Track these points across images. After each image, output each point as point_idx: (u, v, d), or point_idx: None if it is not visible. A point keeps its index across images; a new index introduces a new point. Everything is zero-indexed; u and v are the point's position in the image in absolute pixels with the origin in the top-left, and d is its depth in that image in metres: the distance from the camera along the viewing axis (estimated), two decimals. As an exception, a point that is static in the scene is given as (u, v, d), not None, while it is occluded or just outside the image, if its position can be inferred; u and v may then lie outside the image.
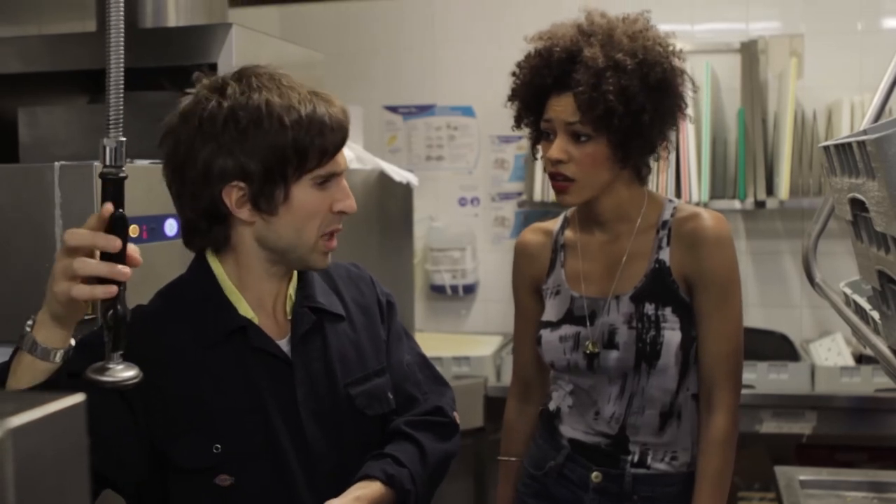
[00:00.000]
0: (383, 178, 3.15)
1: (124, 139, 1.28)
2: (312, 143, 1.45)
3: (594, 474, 1.91)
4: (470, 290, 4.09)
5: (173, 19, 2.69)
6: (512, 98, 1.95)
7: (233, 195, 1.45)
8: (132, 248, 1.30)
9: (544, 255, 2.02)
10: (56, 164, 1.79)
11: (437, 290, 4.10)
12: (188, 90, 1.50)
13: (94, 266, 1.27)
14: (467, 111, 4.11)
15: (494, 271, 4.05)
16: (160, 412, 1.44)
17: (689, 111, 1.95)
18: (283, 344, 1.54)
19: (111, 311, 1.28)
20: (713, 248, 1.85)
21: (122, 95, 1.27)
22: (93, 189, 1.77)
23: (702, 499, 1.83)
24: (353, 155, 2.96)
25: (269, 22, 4.09)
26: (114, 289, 1.28)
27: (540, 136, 1.93)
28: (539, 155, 1.97)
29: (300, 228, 1.49)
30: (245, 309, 1.52)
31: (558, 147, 1.83)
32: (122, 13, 1.26)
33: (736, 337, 1.87)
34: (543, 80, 1.85)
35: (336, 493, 1.48)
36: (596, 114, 1.78)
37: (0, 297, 1.83)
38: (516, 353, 2.15)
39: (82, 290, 1.27)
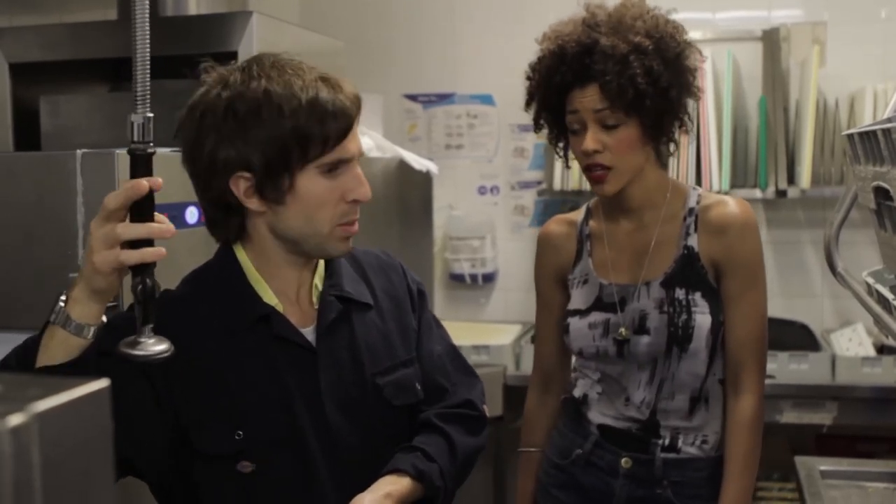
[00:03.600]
0: (403, 166, 3.16)
1: (151, 115, 1.28)
2: (313, 131, 1.41)
3: (624, 460, 1.91)
4: (489, 278, 4.09)
5: (194, 7, 2.70)
6: (529, 101, 1.95)
7: (240, 185, 1.44)
8: (161, 218, 1.32)
9: (569, 245, 2.02)
10: (78, 151, 1.80)
11: (456, 279, 4.10)
12: (203, 78, 1.50)
13: (137, 228, 1.28)
14: (487, 99, 4.10)
15: (514, 260, 4.04)
16: (183, 397, 1.45)
17: (700, 85, 1.96)
18: (308, 332, 1.53)
19: (141, 286, 1.29)
20: (741, 234, 1.88)
21: (148, 72, 1.27)
22: (115, 177, 1.77)
23: (733, 480, 1.86)
24: (373, 143, 2.96)
25: (289, 10, 4.09)
26: (162, 250, 1.29)
27: (561, 134, 1.93)
28: (561, 153, 1.98)
29: (310, 217, 1.46)
30: (269, 297, 1.52)
31: (592, 137, 1.83)
32: None
33: (761, 320, 1.90)
34: (563, 78, 1.85)
35: (361, 483, 1.47)
36: (626, 100, 1.79)
37: (23, 284, 1.84)
38: (538, 345, 2.14)
39: (131, 255, 1.28)
